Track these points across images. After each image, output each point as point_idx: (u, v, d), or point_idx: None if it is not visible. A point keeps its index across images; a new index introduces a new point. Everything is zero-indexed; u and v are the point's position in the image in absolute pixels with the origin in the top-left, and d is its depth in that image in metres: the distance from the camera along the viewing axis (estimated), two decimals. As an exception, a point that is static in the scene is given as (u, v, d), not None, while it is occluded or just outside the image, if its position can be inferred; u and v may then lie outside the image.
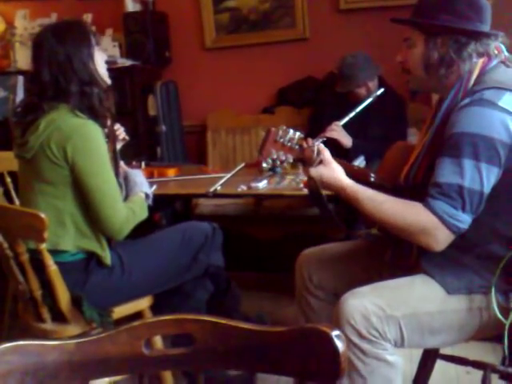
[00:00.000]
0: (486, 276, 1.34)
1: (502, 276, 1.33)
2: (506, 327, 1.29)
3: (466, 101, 1.34)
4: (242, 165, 2.54)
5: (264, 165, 1.44)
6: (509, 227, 1.34)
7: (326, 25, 3.24)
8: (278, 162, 1.43)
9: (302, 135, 1.48)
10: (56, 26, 1.85)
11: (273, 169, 1.45)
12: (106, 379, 0.82)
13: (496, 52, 1.42)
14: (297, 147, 1.44)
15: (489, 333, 1.42)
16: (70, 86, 1.70)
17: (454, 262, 1.37)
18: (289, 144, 1.44)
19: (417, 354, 1.77)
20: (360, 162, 2.30)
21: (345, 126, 2.61)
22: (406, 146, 1.71)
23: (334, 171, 1.41)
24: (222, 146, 3.43)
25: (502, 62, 1.43)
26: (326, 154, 1.42)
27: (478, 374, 1.51)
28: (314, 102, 3.15)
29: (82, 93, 1.71)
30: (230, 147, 3.42)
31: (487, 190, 1.31)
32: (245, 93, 3.43)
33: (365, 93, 2.72)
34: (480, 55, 1.40)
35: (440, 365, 1.70)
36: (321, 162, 1.41)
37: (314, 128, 2.90)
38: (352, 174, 1.51)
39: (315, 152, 1.41)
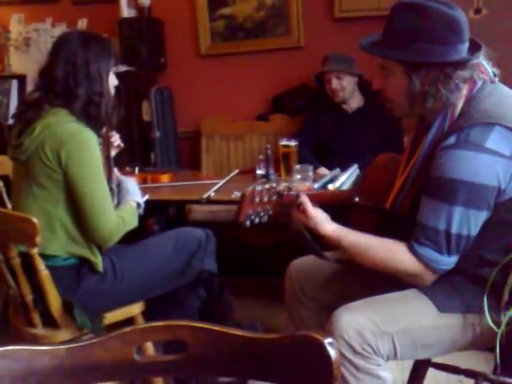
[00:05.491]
0: (478, 296, 1.32)
1: (493, 295, 1.31)
2: (498, 336, 1.29)
3: (452, 140, 1.27)
4: (236, 171, 2.54)
5: (245, 223, 1.44)
6: (495, 254, 1.32)
7: (320, 33, 3.25)
8: (257, 220, 1.43)
9: (277, 185, 1.47)
10: (85, 32, 1.86)
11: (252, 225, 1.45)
12: (97, 385, 0.82)
13: (481, 75, 1.34)
14: (274, 197, 1.42)
15: (481, 345, 1.41)
16: (78, 89, 1.69)
17: (444, 283, 1.36)
18: (265, 199, 1.42)
19: (408, 363, 1.76)
20: (353, 170, 2.31)
21: (339, 137, 2.62)
22: (388, 160, 1.65)
23: (316, 225, 1.42)
24: (216, 153, 3.43)
25: (486, 81, 1.36)
26: (309, 207, 1.43)
27: (469, 383, 1.51)
28: (308, 109, 3.16)
29: (89, 100, 1.71)
30: (224, 154, 3.42)
31: (475, 232, 1.29)
32: (239, 100, 3.44)
33: (346, 95, 2.84)
34: (465, 81, 1.32)
35: (431, 373, 1.70)
36: (301, 206, 1.42)
37: (306, 136, 2.91)
38: (335, 200, 1.50)
39: (295, 197, 1.42)
